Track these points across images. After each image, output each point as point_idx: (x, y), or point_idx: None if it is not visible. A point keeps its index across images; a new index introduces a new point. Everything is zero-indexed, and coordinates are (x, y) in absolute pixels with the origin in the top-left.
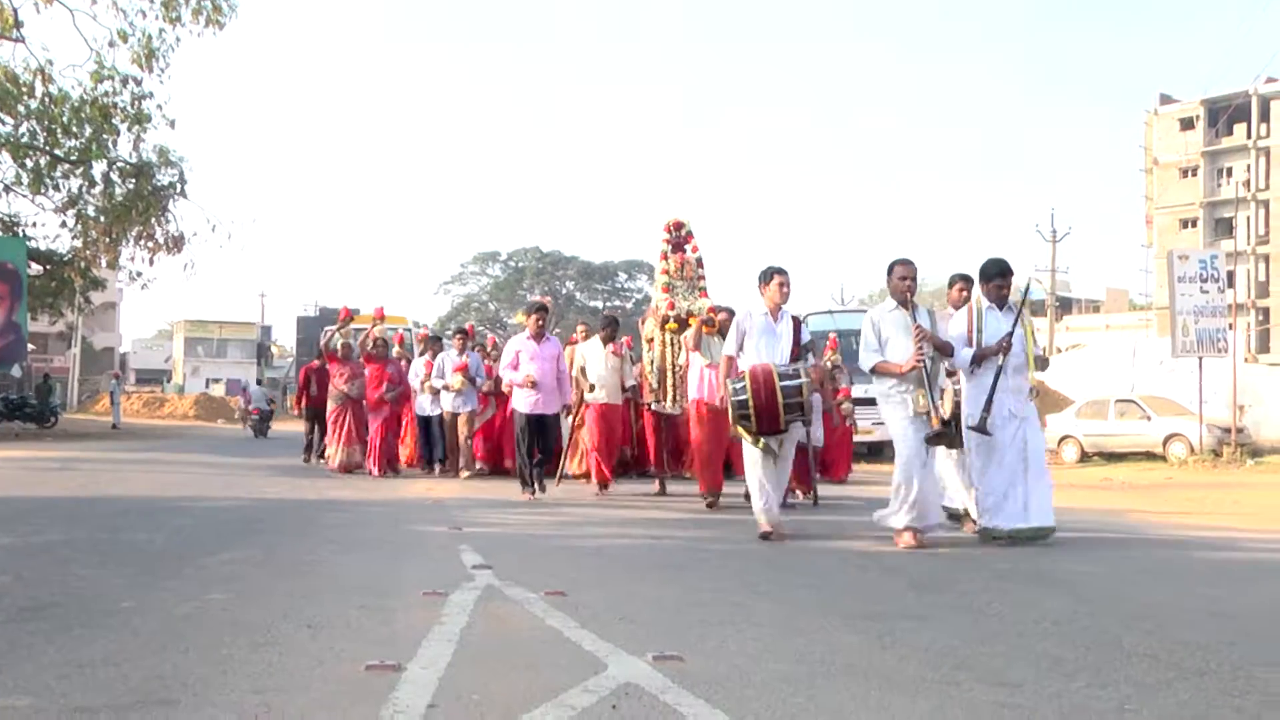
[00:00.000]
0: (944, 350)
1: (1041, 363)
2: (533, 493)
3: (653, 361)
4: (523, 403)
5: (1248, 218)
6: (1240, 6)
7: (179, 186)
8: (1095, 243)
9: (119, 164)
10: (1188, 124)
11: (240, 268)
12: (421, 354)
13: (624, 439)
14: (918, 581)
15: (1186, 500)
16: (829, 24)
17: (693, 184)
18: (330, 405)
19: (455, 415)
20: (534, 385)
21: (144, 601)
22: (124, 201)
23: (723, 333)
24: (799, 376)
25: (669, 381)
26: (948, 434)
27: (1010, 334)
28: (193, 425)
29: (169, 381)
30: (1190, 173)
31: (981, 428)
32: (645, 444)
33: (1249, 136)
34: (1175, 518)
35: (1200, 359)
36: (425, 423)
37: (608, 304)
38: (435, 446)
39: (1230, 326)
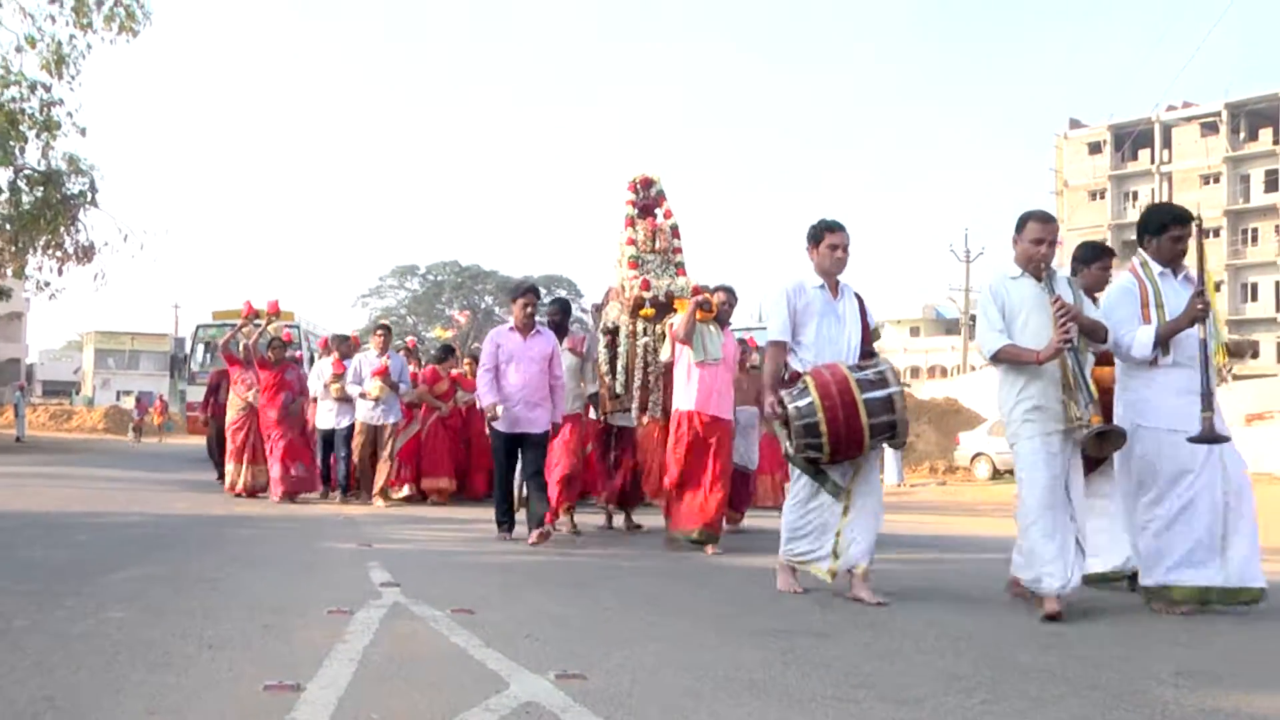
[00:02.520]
0: (1094, 333)
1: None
2: (509, 533)
3: (617, 358)
4: (501, 418)
5: None
6: (1141, 35)
7: (89, 195)
8: (1008, 263)
9: (26, 171)
10: (1095, 148)
11: (153, 278)
12: (326, 354)
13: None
14: (822, 599)
15: None
16: (739, 41)
17: (611, 199)
18: (230, 415)
19: (373, 429)
20: (495, 416)
21: (37, 620)
22: (31, 210)
23: (721, 320)
24: (888, 382)
25: (639, 382)
26: (1118, 434)
27: (1200, 292)
28: (102, 439)
29: (78, 394)
30: (1098, 195)
31: (1210, 435)
32: (591, 465)
33: (1153, 162)
34: None
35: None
36: (328, 438)
37: None
38: (339, 465)
39: None
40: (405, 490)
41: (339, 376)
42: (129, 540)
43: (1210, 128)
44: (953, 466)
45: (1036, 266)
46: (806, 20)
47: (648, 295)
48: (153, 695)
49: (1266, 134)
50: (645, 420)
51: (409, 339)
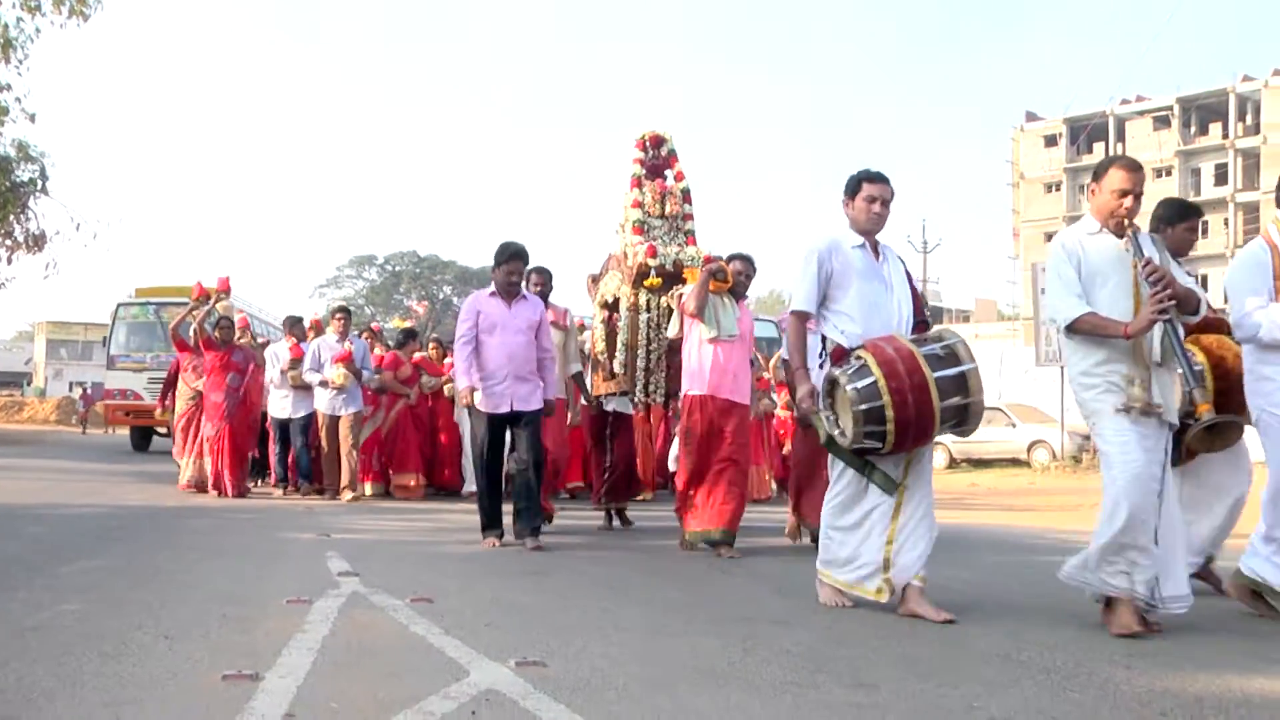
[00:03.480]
0: (1185, 303)
1: None
2: (498, 538)
3: (616, 334)
4: (483, 398)
5: None
6: (1097, 28)
7: (40, 183)
8: (965, 254)
9: None
10: (1051, 141)
11: (106, 267)
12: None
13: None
14: (783, 587)
15: (1046, 506)
16: (697, 36)
17: (574, 188)
18: (179, 406)
19: (334, 419)
20: (470, 402)
21: None
22: None
23: (737, 292)
24: (960, 359)
25: (642, 363)
26: (1231, 427)
27: None
28: (54, 430)
29: (29, 385)
30: (1054, 188)
31: None
32: (575, 453)
33: (1107, 154)
34: (1038, 523)
35: (1062, 368)
36: (284, 429)
37: None
38: (298, 459)
39: None
40: (369, 488)
41: (296, 362)
42: (83, 532)
43: (1163, 121)
44: None
45: (1119, 222)
46: (759, 11)
47: (654, 263)
48: (109, 686)
49: (1216, 128)
50: (639, 403)
51: (373, 324)
